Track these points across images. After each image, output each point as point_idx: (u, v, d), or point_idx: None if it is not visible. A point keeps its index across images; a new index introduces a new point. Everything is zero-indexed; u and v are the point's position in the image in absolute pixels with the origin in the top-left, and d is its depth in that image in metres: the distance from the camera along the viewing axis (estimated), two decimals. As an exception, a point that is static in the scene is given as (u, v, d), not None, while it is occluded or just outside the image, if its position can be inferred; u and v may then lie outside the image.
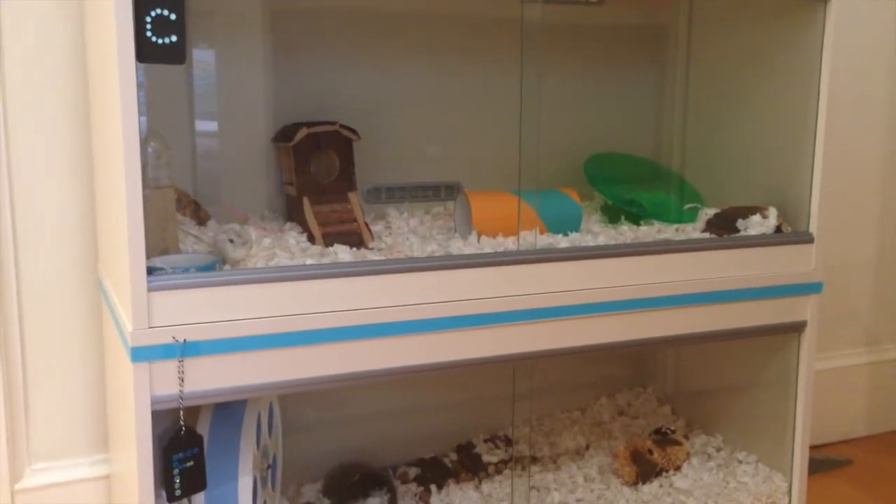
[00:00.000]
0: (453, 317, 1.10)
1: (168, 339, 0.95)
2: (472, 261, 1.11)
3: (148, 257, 0.94)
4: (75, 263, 1.29)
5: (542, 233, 1.26)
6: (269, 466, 1.20)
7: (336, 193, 1.25)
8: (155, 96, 1.25)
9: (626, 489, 1.38)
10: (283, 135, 1.27)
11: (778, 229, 1.30)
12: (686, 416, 1.62)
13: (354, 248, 1.16)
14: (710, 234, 1.32)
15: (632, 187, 1.48)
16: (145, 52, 0.89)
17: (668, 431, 1.49)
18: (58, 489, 1.31)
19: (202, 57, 1.29)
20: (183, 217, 1.20)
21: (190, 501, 1.08)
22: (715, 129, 1.49)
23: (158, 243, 1.06)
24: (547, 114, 1.45)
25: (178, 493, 0.99)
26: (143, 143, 1.02)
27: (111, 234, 1.08)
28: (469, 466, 1.43)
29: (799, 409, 1.35)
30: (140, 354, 0.94)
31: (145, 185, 0.92)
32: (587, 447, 1.51)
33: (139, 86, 0.90)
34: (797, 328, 1.32)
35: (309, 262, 1.08)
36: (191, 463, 1.00)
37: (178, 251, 1.09)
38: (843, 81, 1.32)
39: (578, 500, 1.34)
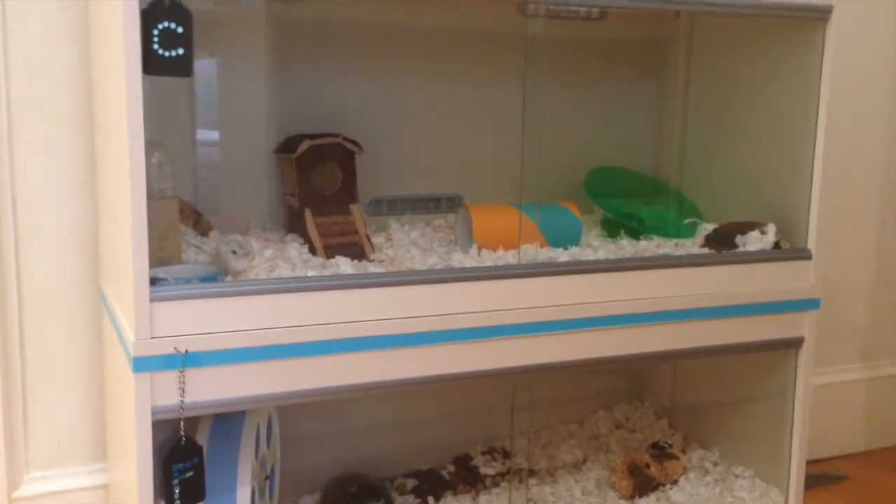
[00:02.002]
0: (453, 329, 1.10)
1: (169, 350, 0.96)
2: (472, 274, 1.11)
3: (150, 268, 0.94)
4: (76, 273, 1.29)
5: (542, 246, 1.27)
6: (267, 477, 1.20)
7: (338, 205, 1.26)
8: (157, 107, 1.25)
9: (623, 502, 1.38)
10: (286, 146, 1.28)
11: (776, 245, 1.31)
12: (683, 430, 1.62)
13: (356, 261, 1.17)
14: (709, 249, 1.33)
15: (631, 202, 1.49)
16: (152, 64, 0.89)
17: (666, 445, 1.50)
18: (55, 498, 1.31)
19: (205, 67, 1.29)
20: (185, 227, 1.20)
21: (188, 512, 1.08)
22: (714, 145, 1.50)
23: (160, 253, 1.06)
24: (548, 128, 1.46)
25: (177, 503, 0.99)
26: (147, 154, 1.03)
27: (114, 244, 1.08)
28: (466, 478, 1.43)
29: (796, 425, 1.36)
30: (142, 364, 0.95)
31: (149, 196, 0.92)
32: (584, 460, 1.51)
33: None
34: (795, 344, 1.32)
35: (310, 273, 1.09)
36: (190, 473, 1.00)
37: (180, 262, 1.09)
38: (842, 99, 1.33)
39: (576, 514, 1.35)
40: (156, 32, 0.89)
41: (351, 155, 1.27)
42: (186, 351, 0.96)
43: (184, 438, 0.99)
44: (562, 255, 1.24)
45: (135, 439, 0.96)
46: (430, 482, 1.41)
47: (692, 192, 1.53)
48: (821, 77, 1.28)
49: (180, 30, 0.90)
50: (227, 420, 1.11)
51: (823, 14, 1.26)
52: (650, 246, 1.33)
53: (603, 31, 1.55)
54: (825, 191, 1.30)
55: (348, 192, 1.27)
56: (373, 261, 1.19)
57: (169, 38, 0.89)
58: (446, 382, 1.12)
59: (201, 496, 1.02)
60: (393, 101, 1.41)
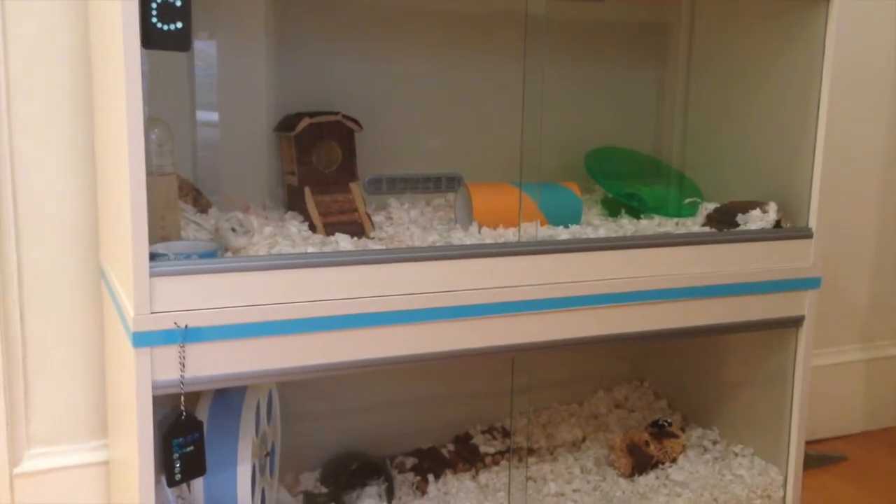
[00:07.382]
0: (453, 307, 1.10)
1: (169, 325, 0.96)
2: (472, 251, 1.11)
3: (150, 244, 0.94)
4: (76, 249, 1.29)
5: (542, 225, 1.27)
6: (267, 454, 1.21)
7: (337, 183, 1.26)
8: (157, 84, 1.25)
9: (622, 480, 1.38)
10: (285, 124, 1.28)
11: (777, 224, 1.31)
12: (683, 409, 1.62)
13: (355, 238, 1.17)
14: (710, 228, 1.33)
15: (632, 181, 1.49)
16: (151, 38, 0.89)
17: (665, 424, 1.50)
18: (56, 474, 1.32)
19: (204, 45, 1.29)
20: (185, 205, 1.20)
21: (189, 486, 1.09)
22: (716, 124, 1.49)
23: (160, 231, 1.06)
24: (549, 107, 1.45)
25: (177, 477, 0.99)
26: (146, 130, 1.02)
27: (114, 221, 1.08)
28: (466, 457, 1.43)
29: (795, 404, 1.36)
30: (142, 340, 0.95)
31: (148, 172, 0.92)
32: (584, 439, 1.51)
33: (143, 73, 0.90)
34: (795, 323, 1.33)
35: (310, 250, 1.09)
36: (191, 448, 1.00)
37: (179, 238, 1.09)
38: (843, 78, 1.33)
39: (575, 491, 1.35)
40: (154, 6, 0.89)
41: (350, 133, 1.27)
42: (186, 326, 0.97)
43: (184, 413, 0.99)
44: (562, 234, 1.23)
45: (135, 414, 0.96)
46: (430, 460, 1.42)
47: (693, 171, 1.53)
48: (823, 57, 1.27)
49: (179, 3, 0.89)
50: (228, 396, 1.12)
51: (826, -8, 1.25)
52: (651, 225, 1.33)
53: (604, 12, 1.54)
54: (826, 170, 1.30)
55: (348, 170, 1.27)
56: (372, 238, 1.19)
57: (167, 12, 0.89)
58: (446, 359, 1.12)
59: (202, 471, 1.02)
60: (393, 79, 1.40)
